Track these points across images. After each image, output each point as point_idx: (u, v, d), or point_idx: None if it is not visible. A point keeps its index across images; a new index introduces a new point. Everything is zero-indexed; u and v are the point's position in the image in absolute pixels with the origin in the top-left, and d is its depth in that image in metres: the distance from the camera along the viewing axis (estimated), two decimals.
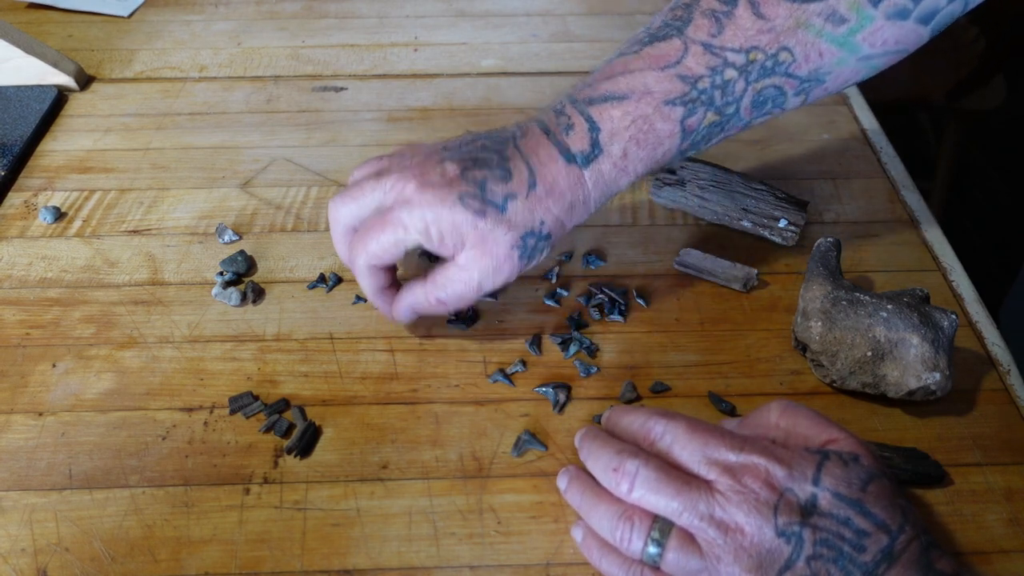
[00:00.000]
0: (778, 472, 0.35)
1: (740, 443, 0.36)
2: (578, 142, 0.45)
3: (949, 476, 0.44)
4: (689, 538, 0.35)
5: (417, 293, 0.47)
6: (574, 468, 0.41)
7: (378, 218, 0.45)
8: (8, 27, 0.72)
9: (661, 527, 0.36)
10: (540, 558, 0.41)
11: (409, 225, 0.43)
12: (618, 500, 0.37)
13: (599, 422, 0.45)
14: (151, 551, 0.41)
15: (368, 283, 0.47)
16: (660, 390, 0.48)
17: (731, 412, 0.47)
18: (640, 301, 0.53)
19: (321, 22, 0.84)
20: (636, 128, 0.44)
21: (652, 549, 0.36)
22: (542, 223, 0.45)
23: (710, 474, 0.36)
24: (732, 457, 0.36)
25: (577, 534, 0.40)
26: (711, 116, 0.45)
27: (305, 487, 0.44)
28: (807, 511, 0.34)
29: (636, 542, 0.36)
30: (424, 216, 0.43)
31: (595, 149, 0.45)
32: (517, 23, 0.83)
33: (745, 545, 0.34)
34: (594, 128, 0.45)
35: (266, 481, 0.44)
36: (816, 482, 0.35)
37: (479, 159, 0.44)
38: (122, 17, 0.84)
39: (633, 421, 0.40)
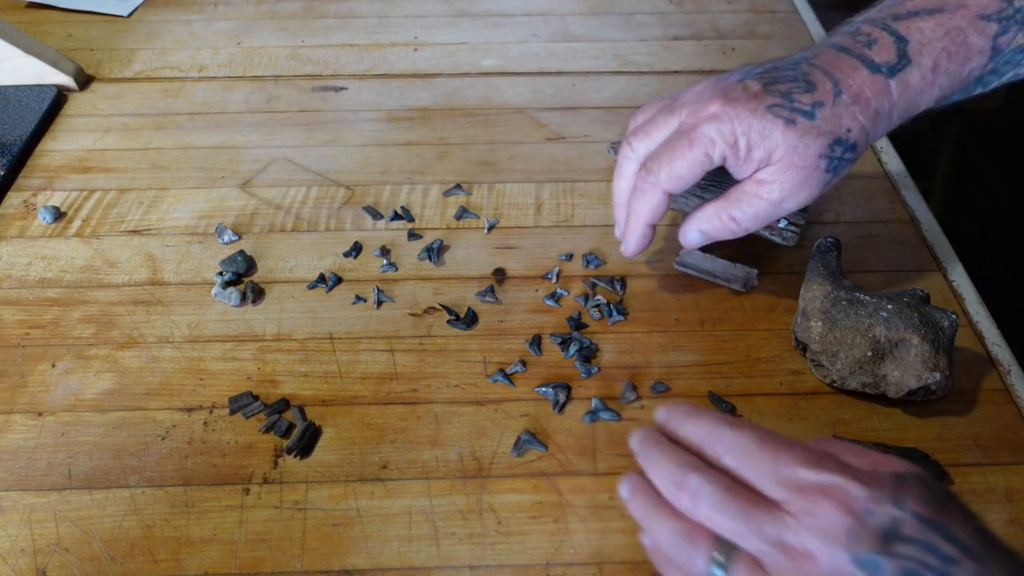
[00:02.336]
0: (857, 492, 0.31)
1: (815, 459, 0.33)
2: (883, 54, 0.44)
3: (949, 476, 0.44)
4: (756, 563, 0.32)
5: (708, 213, 0.46)
6: (636, 476, 0.37)
7: (679, 138, 0.44)
8: (8, 27, 0.72)
9: (725, 550, 0.33)
10: (540, 558, 0.41)
11: (716, 139, 0.43)
12: (681, 516, 0.35)
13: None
14: (151, 551, 0.41)
15: (648, 210, 0.46)
16: (660, 390, 0.48)
17: (731, 412, 0.47)
18: (618, 315, 0.53)
19: (321, 22, 0.84)
20: (949, 40, 0.44)
21: (717, 572, 0.33)
22: (849, 131, 0.44)
23: (781, 494, 0.32)
24: (806, 475, 0.32)
25: (647, 542, 0.37)
26: (1020, 39, 0.45)
27: (305, 487, 0.44)
28: (888, 537, 0.31)
29: (699, 563, 0.33)
30: (734, 128, 0.43)
31: (902, 60, 0.44)
32: (517, 23, 0.83)
33: (816, 574, 0.31)
34: (901, 41, 0.44)
35: (266, 481, 0.44)
36: (898, 504, 0.31)
37: (777, 76, 0.44)
38: (122, 17, 0.84)
39: (697, 428, 0.36)
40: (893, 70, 0.44)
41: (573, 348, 0.50)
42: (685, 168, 0.44)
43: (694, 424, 0.37)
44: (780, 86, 0.44)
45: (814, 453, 0.33)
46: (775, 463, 0.33)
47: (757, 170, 0.44)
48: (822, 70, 0.44)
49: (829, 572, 0.31)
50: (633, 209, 0.47)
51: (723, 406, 0.47)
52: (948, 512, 0.31)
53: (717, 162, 0.44)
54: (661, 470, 0.35)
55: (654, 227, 0.48)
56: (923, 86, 0.45)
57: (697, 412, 0.37)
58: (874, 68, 0.44)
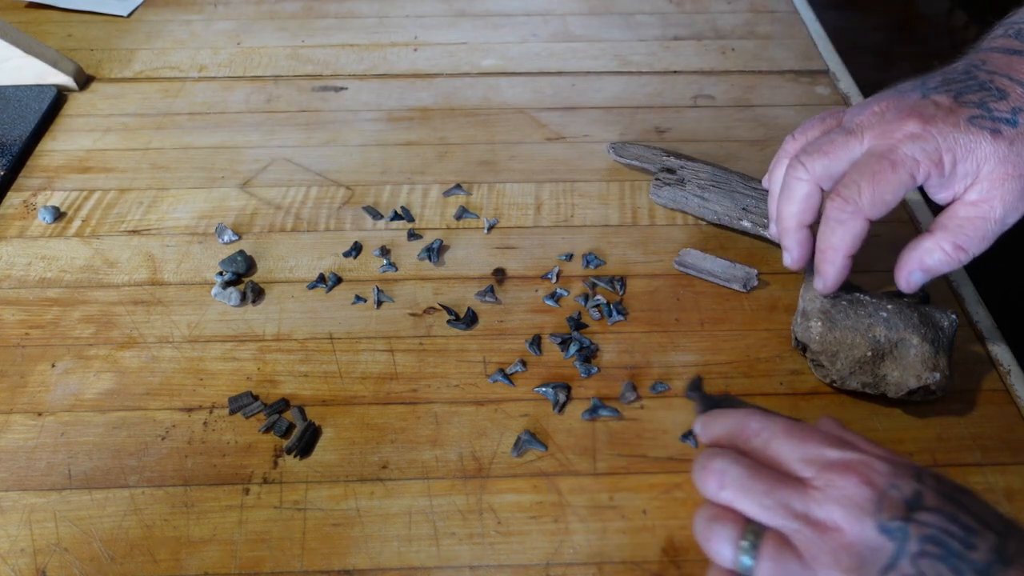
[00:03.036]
0: (881, 468, 0.33)
1: (839, 442, 0.34)
2: None
3: None
4: (783, 541, 0.33)
5: (928, 248, 0.43)
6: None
7: (878, 161, 0.41)
8: (8, 27, 0.72)
9: (752, 533, 0.33)
10: (540, 558, 0.41)
11: (920, 158, 0.41)
12: (709, 503, 0.35)
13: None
14: (151, 551, 0.41)
15: (850, 240, 0.43)
16: (660, 390, 0.48)
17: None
18: (618, 315, 0.53)
19: (321, 22, 0.84)
20: None
21: (746, 560, 0.33)
22: None
23: (807, 471, 0.34)
24: (831, 454, 0.34)
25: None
26: None
27: (305, 487, 0.44)
28: (911, 506, 0.32)
29: (725, 550, 0.34)
30: (938, 145, 0.40)
31: None
32: (517, 23, 0.83)
33: (844, 543, 0.31)
34: None
35: (266, 481, 0.44)
36: (919, 479, 0.33)
37: (961, 88, 0.42)
38: (121, 17, 0.84)
39: (728, 421, 0.38)
40: None
41: (573, 348, 0.50)
42: (890, 192, 0.41)
43: (725, 420, 0.38)
44: (971, 96, 0.42)
45: (839, 438, 0.35)
46: (803, 444, 0.34)
47: (964, 189, 0.41)
48: (1003, 75, 0.43)
49: (855, 542, 0.31)
50: (829, 242, 0.44)
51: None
52: (964, 491, 0.33)
53: (920, 182, 0.42)
54: (694, 463, 0.37)
55: (853, 257, 0.44)
56: None
57: (727, 412, 0.39)
58: None
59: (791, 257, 0.47)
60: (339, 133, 0.68)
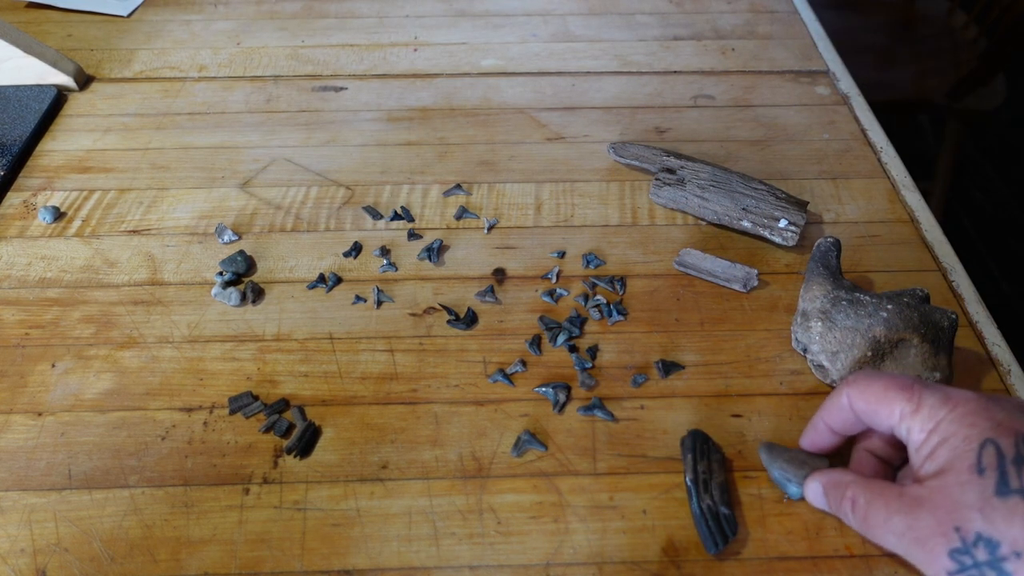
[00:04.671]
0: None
1: None
2: None
3: None
4: None
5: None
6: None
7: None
8: (8, 27, 0.72)
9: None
10: (540, 558, 0.41)
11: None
12: None
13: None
14: (151, 551, 0.41)
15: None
16: (640, 382, 0.48)
17: (732, 412, 0.47)
18: (618, 315, 0.53)
19: (321, 22, 0.84)
20: None
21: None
22: None
23: None
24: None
25: None
26: None
27: (305, 487, 0.44)
28: None
29: None
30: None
31: None
32: (517, 23, 0.83)
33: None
34: None
35: (266, 481, 0.44)
36: None
37: None
38: (121, 17, 0.84)
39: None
40: None
41: (562, 338, 0.50)
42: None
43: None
44: None
45: None
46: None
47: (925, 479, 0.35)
48: None
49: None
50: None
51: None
52: None
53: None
54: None
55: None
56: None
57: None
58: None
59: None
60: (339, 133, 0.68)
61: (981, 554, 0.32)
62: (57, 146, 0.67)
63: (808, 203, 0.58)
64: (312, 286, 0.54)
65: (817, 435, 0.42)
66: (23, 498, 0.43)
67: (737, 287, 0.54)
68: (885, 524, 0.35)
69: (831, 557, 0.41)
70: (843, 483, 0.38)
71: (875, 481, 0.37)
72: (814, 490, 0.40)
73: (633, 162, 0.63)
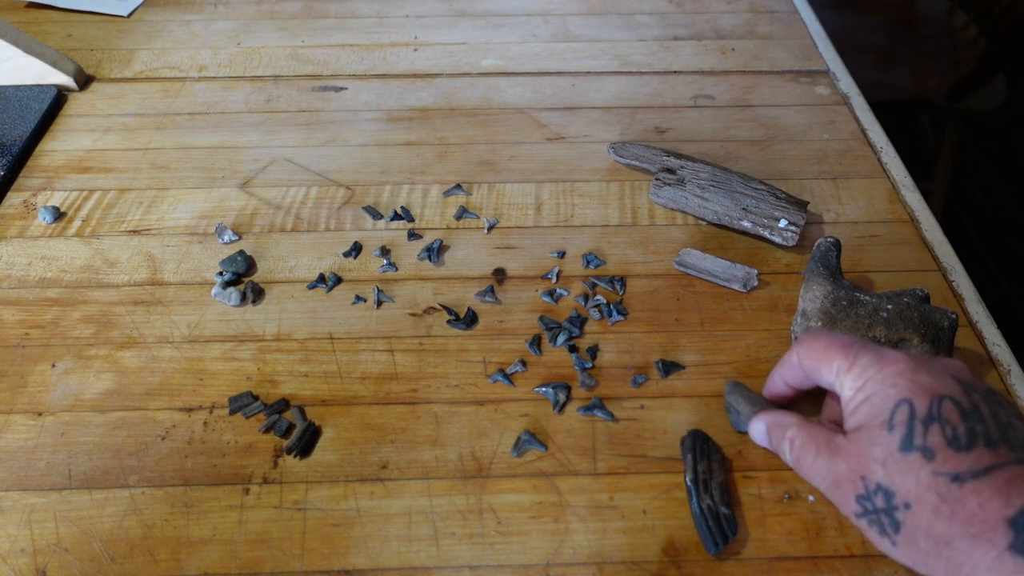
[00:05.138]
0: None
1: None
2: None
3: None
4: None
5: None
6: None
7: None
8: (8, 27, 0.72)
9: None
10: (540, 558, 0.41)
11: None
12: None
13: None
14: (151, 551, 0.41)
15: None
16: (640, 382, 0.48)
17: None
18: (618, 315, 0.53)
19: (321, 22, 0.84)
20: None
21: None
22: None
23: None
24: None
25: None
26: None
27: (305, 487, 0.43)
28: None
29: None
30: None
31: None
32: (517, 23, 0.83)
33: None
34: None
35: (266, 481, 0.44)
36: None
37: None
38: (121, 17, 0.84)
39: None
40: None
41: (562, 338, 0.50)
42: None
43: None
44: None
45: None
46: None
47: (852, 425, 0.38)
48: None
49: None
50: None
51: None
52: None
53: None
54: None
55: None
56: None
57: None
58: None
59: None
60: (339, 133, 0.68)
61: (880, 501, 0.35)
62: (57, 146, 0.67)
63: (808, 203, 0.58)
64: (312, 286, 0.54)
65: (774, 386, 0.45)
66: (23, 498, 0.43)
67: (737, 287, 0.54)
68: (812, 466, 0.38)
69: (831, 557, 0.41)
70: (785, 424, 0.41)
71: (814, 426, 0.40)
72: (758, 428, 0.43)
73: (633, 162, 0.63)
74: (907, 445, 0.35)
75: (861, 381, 0.37)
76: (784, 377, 0.43)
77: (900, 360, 0.37)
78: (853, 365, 0.38)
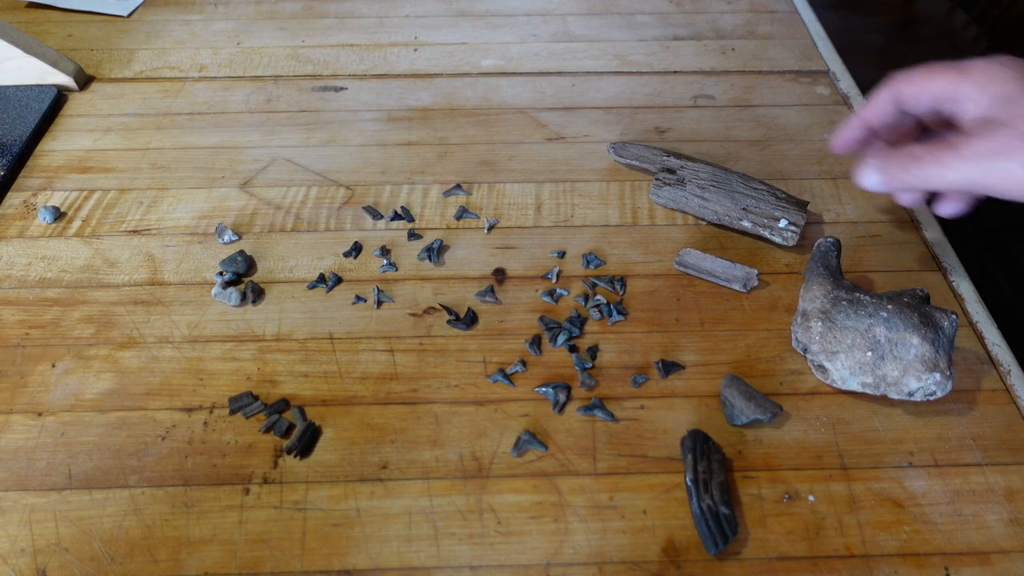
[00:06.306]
0: None
1: None
2: None
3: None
4: None
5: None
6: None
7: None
8: (8, 27, 0.72)
9: None
10: (540, 558, 0.41)
11: None
12: None
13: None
14: (151, 551, 0.41)
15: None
16: (640, 382, 0.48)
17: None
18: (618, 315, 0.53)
19: (321, 22, 0.84)
20: None
21: None
22: None
23: None
24: None
25: None
26: None
27: (305, 487, 0.44)
28: None
29: None
30: None
31: None
32: (517, 23, 0.83)
33: None
34: None
35: (266, 481, 0.44)
36: None
37: None
38: (122, 17, 0.84)
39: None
40: None
41: (562, 338, 0.50)
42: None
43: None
44: None
45: None
46: None
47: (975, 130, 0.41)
48: None
49: None
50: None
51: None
52: None
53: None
54: None
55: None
56: None
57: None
58: None
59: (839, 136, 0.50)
60: (339, 133, 0.68)
61: None
62: (57, 146, 0.67)
63: (808, 203, 0.58)
64: (312, 286, 0.54)
65: (849, 130, 0.46)
66: (23, 498, 0.43)
67: (737, 287, 0.54)
68: (964, 150, 0.39)
69: (831, 557, 0.41)
70: (898, 152, 0.42)
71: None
72: (870, 170, 0.44)
73: (633, 162, 0.63)
74: None
75: (986, 79, 0.39)
76: (867, 116, 0.44)
77: (1007, 63, 0.40)
78: (970, 71, 0.40)
